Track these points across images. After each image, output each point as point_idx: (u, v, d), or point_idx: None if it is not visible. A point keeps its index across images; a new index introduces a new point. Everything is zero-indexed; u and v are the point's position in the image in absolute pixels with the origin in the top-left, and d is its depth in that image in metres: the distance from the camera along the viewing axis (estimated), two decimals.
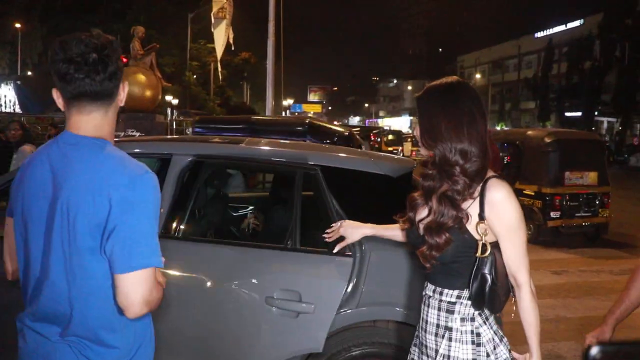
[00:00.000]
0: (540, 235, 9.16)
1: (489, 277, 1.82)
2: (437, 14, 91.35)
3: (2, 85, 30.40)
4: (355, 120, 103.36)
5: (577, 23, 51.19)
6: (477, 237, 1.82)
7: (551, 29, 54.91)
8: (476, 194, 1.84)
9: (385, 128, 54.12)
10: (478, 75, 65.26)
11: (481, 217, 1.82)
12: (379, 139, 20.85)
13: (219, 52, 21.26)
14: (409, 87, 79.41)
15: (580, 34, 46.10)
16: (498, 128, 53.96)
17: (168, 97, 26.70)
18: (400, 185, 3.32)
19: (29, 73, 36.89)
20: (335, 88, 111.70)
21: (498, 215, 1.82)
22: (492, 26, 77.55)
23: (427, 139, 1.88)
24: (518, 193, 9.62)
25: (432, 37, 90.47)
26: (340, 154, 3.65)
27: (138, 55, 12.44)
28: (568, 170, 9.31)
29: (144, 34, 13.16)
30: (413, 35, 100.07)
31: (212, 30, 21.79)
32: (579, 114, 43.98)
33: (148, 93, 12.24)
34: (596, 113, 43.47)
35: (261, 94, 53.38)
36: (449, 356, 1.85)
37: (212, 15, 21.57)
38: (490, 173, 1.87)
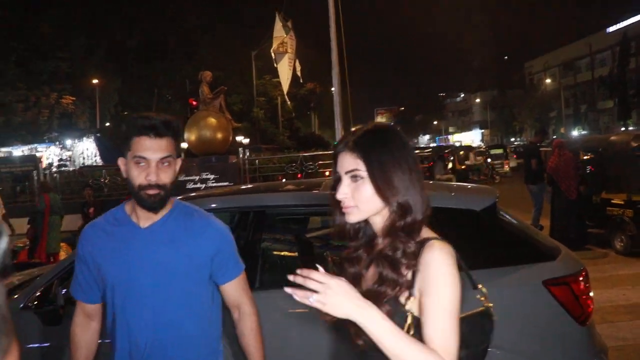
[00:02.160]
0: (633, 246, 8.53)
1: None
2: (499, 22, 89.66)
3: (84, 139, 32.12)
4: (424, 138, 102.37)
5: None
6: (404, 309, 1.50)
7: (624, 22, 52.42)
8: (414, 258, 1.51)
9: (456, 144, 53.22)
10: (548, 80, 63.17)
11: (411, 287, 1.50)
12: (452, 157, 20.41)
13: (285, 86, 21.61)
14: (477, 100, 77.86)
15: None
16: (575, 133, 51.90)
17: (239, 137, 27.37)
18: (484, 219, 3.16)
19: (107, 124, 38.86)
20: (402, 108, 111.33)
21: (428, 284, 1.46)
22: (558, 27, 75.12)
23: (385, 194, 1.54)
24: (606, 203, 9.09)
25: (496, 46, 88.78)
26: None
27: (207, 99, 12.81)
28: None
29: (211, 78, 13.58)
30: (476, 46, 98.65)
31: (275, 65, 22.18)
32: None
33: (219, 135, 12.53)
34: None
35: (329, 121, 53.89)
36: None
37: (272, 51, 21.98)
38: (429, 234, 1.57)
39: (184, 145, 13.47)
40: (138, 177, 1.94)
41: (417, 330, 1.46)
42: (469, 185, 4.61)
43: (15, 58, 33.73)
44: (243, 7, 39.29)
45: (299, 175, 12.76)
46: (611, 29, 54.47)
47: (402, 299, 1.49)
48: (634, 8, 51.90)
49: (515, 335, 2.84)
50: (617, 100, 48.04)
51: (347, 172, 1.56)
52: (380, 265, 1.54)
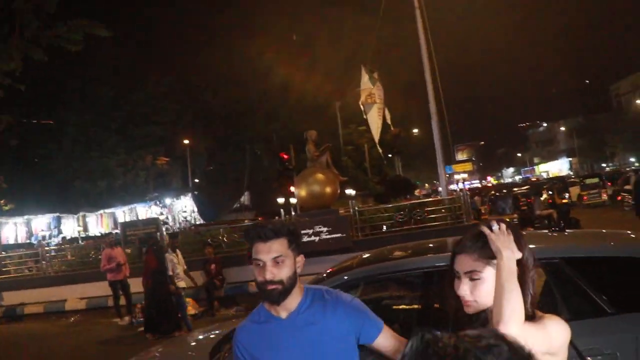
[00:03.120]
0: None
1: None
2: (577, 47, 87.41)
3: (182, 197, 33.78)
4: (509, 171, 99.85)
5: None
6: None
7: None
8: None
9: (543, 175, 51.82)
10: (638, 101, 60.66)
11: None
12: (550, 192, 20.01)
13: (376, 135, 22.03)
14: (562, 128, 75.67)
15: None
16: None
17: (348, 191, 27.92)
18: None
19: (196, 180, 40.70)
20: (482, 142, 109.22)
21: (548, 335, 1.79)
22: None
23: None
24: None
25: (577, 71, 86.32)
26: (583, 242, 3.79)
27: (314, 156, 13.41)
28: None
29: (317, 137, 14.22)
30: (556, 74, 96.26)
31: (365, 116, 22.72)
32: None
33: (328, 190, 13.05)
34: None
35: (411, 163, 54.12)
36: None
37: (360, 103, 22.58)
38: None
39: (294, 200, 14.00)
40: (258, 276, 2.22)
41: None
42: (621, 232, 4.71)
43: (116, 127, 36.28)
44: (321, 58, 40.49)
45: (408, 224, 13.01)
46: None
47: None
48: None
49: None
50: None
51: (466, 273, 1.79)
52: None
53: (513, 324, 1.67)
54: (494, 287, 1.75)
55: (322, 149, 13.83)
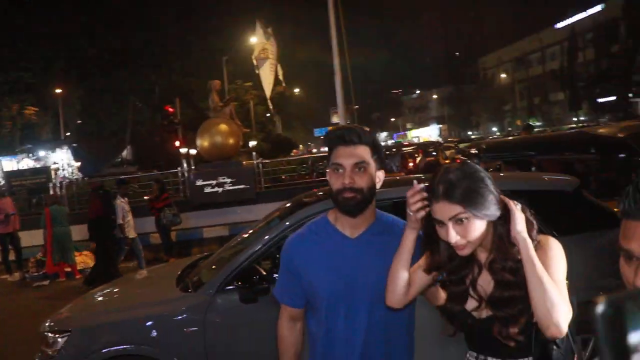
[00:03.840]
0: None
1: (552, 342, 1.74)
2: (450, 20, 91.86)
3: (58, 150, 31.72)
4: (382, 135, 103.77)
5: (598, 8, 51.21)
6: None
7: (571, 18, 54.98)
8: None
9: (414, 140, 54.74)
10: (502, 75, 65.57)
11: None
12: (434, 153, 21.29)
13: (267, 90, 22.16)
14: (434, 96, 79.96)
15: (603, 19, 46.26)
16: (531, 123, 54.07)
17: (252, 143, 27.69)
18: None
19: (68, 134, 38.38)
20: (357, 107, 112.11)
21: (551, 260, 1.73)
22: (509, 24, 77.69)
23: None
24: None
25: (448, 43, 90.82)
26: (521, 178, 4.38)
27: (218, 107, 13.32)
28: None
29: (220, 86, 14.09)
30: (428, 44, 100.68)
31: (257, 71, 22.69)
32: (611, 98, 43.96)
33: (231, 141, 13.07)
34: (630, 95, 43.43)
35: (291, 123, 54.62)
36: None
37: (253, 58, 22.51)
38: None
39: (193, 151, 13.86)
40: (335, 182, 2.05)
41: None
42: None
43: None
44: (210, 13, 39.43)
45: (310, 177, 13.41)
46: (560, 24, 57.01)
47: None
48: (579, 5, 54.62)
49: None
50: (567, 93, 50.41)
51: (450, 218, 1.70)
52: (498, 274, 1.76)
53: (566, 323, 1.63)
54: (480, 223, 1.70)
55: (226, 99, 13.80)
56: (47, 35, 36.12)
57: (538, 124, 53.19)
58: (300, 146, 71.19)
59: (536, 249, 1.69)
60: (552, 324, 1.60)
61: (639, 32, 40.59)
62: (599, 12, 50.47)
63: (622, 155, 5.81)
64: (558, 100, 56.08)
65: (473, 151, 7.90)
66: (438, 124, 78.85)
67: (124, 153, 37.56)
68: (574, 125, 36.29)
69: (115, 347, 3.85)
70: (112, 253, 9.97)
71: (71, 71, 38.02)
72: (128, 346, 3.85)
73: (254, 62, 22.50)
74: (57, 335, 4.04)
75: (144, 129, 38.41)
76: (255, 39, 22.85)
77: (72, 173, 27.70)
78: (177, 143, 26.19)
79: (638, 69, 41.39)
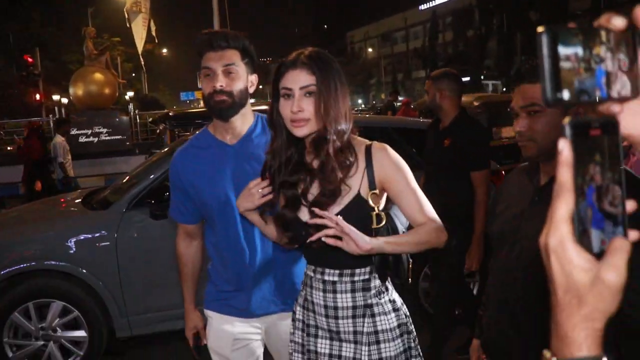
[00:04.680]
0: None
1: None
2: None
3: None
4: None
5: None
6: (369, 207, 1.71)
7: (433, 1, 58.39)
8: (361, 163, 1.72)
9: None
10: (370, 49, 68.09)
11: (372, 185, 1.71)
12: None
13: (140, 45, 21.46)
14: None
15: (461, 5, 49.69)
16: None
17: (130, 94, 26.40)
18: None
19: None
20: None
21: (392, 173, 1.71)
22: (376, 1, 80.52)
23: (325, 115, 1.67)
24: None
25: (317, 15, 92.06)
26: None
27: (92, 55, 12.91)
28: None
29: (95, 34, 13.60)
30: (298, 15, 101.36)
31: (128, 25, 21.87)
32: (466, 78, 47.60)
33: (107, 91, 12.79)
34: (482, 77, 47.31)
35: (158, 84, 52.93)
36: (376, 332, 1.75)
37: (125, 10, 21.66)
38: (360, 139, 1.78)
39: (65, 100, 13.37)
40: (206, 87, 2.04)
41: (384, 221, 1.72)
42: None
43: None
44: None
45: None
46: (423, 6, 60.29)
47: (365, 196, 1.70)
48: None
49: None
50: (428, 71, 53.71)
51: (302, 88, 1.65)
52: (332, 171, 1.68)
53: (442, 234, 1.72)
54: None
55: (102, 48, 13.44)
56: None
57: (401, 98, 56.22)
58: (166, 109, 69.20)
59: (374, 153, 1.72)
60: (437, 247, 1.72)
61: (490, 20, 44.28)
62: None
63: None
64: (420, 77, 59.49)
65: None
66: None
67: None
68: None
69: (24, 264, 4.00)
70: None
71: None
72: (38, 262, 4.02)
73: (126, 14, 21.64)
74: None
75: None
76: None
77: None
78: (37, 96, 24.68)
79: (488, 54, 45.15)
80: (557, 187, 0.59)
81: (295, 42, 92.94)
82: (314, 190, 1.73)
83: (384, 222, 1.70)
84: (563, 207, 0.58)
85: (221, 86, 2.00)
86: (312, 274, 1.82)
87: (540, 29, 0.57)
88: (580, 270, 0.58)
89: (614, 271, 0.57)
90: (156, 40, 23.03)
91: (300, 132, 1.68)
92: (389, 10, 67.85)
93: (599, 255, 0.58)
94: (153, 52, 36.51)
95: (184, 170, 2.17)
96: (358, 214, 1.69)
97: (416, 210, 1.71)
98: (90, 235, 4.09)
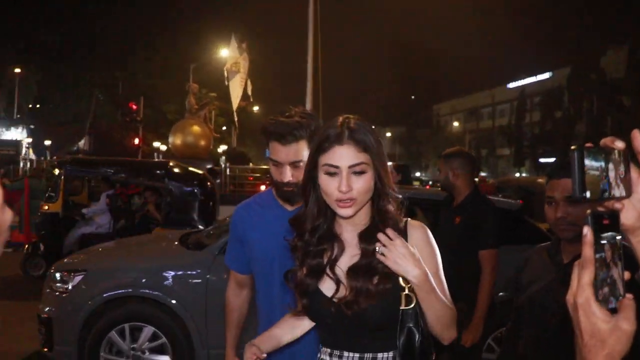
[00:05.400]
0: None
1: (416, 331, 1.57)
2: (409, 63, 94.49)
3: (12, 129, 31.27)
4: None
5: (546, 75, 54.66)
6: (400, 287, 1.57)
7: (522, 80, 58.33)
8: None
9: None
10: (455, 123, 68.41)
11: None
12: None
13: (235, 103, 22.82)
14: (388, 134, 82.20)
15: (550, 85, 49.36)
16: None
17: (223, 147, 28.00)
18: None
19: (18, 116, 37.72)
20: None
21: (425, 255, 1.60)
22: (465, 76, 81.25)
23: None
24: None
25: (405, 86, 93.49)
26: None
27: (194, 109, 14.03)
28: None
29: (198, 90, 14.81)
30: (386, 84, 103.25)
31: (227, 83, 23.35)
32: (552, 159, 46.71)
33: (203, 142, 13.83)
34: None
35: (245, 139, 55.15)
36: None
37: (225, 69, 23.19)
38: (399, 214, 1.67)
39: (163, 147, 14.46)
40: (275, 175, 2.17)
41: (414, 303, 1.58)
42: None
43: None
44: (179, 20, 39.82)
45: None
46: (511, 85, 60.28)
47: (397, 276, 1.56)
48: (529, 71, 58.21)
49: None
50: (513, 149, 53.15)
51: (351, 167, 1.55)
52: (373, 245, 1.57)
53: (455, 327, 1.67)
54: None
55: (202, 103, 14.54)
56: (13, 14, 35.60)
57: (484, 174, 55.71)
58: (251, 164, 71.45)
59: (410, 230, 1.66)
60: (446, 337, 1.64)
61: (580, 102, 43.69)
62: (547, 78, 53.79)
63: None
64: (504, 154, 58.83)
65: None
66: (389, 161, 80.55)
67: (81, 143, 37.29)
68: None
69: (124, 290, 4.57)
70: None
71: (32, 53, 37.54)
72: (134, 289, 4.58)
73: (225, 73, 23.17)
74: (72, 275, 4.72)
75: (105, 122, 38.22)
76: (228, 52, 23.55)
77: (26, 153, 27.50)
78: (137, 141, 26.51)
79: (576, 137, 44.30)
80: (583, 261, 0.86)
81: (382, 109, 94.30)
82: (343, 264, 1.63)
83: (413, 304, 1.57)
84: (587, 275, 0.85)
85: (289, 180, 2.11)
86: (327, 358, 1.67)
87: (572, 147, 0.88)
88: (602, 322, 0.82)
89: (628, 321, 0.82)
90: (251, 99, 24.40)
91: (347, 212, 1.58)
92: (477, 87, 68.27)
93: (613, 311, 0.85)
94: (245, 109, 38.37)
95: (242, 222, 2.33)
96: (392, 292, 1.58)
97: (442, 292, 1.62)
98: (184, 272, 4.61)
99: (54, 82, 38.19)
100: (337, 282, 1.60)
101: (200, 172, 8.67)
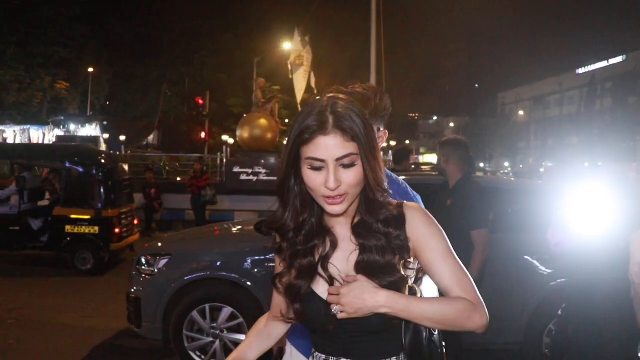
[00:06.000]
0: None
1: (423, 328, 1.42)
2: (474, 51, 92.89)
3: (87, 125, 32.86)
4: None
5: (619, 59, 52.40)
6: (404, 277, 1.42)
7: (592, 66, 56.18)
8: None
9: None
10: (521, 112, 66.66)
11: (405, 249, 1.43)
12: None
13: (299, 96, 23.14)
14: (451, 124, 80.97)
15: (624, 70, 47.37)
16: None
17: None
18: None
19: (90, 113, 39.46)
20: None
21: (427, 235, 1.44)
22: (532, 63, 78.97)
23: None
24: None
25: (470, 74, 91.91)
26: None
27: (260, 102, 14.43)
28: None
29: (264, 84, 15.20)
30: (451, 73, 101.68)
31: (291, 76, 23.72)
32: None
33: (269, 135, 14.21)
34: None
35: None
36: None
37: (289, 63, 23.53)
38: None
39: (231, 141, 14.91)
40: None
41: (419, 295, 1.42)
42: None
43: (17, 39, 34.22)
44: (243, 14, 40.59)
45: None
46: (580, 70, 58.15)
47: (398, 267, 1.41)
48: (600, 55, 55.90)
49: None
50: (581, 138, 51.34)
51: (338, 159, 1.33)
52: (371, 240, 1.42)
53: (482, 315, 1.40)
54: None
55: (269, 97, 14.91)
56: (87, 15, 37.26)
57: (550, 164, 54.12)
58: None
59: (407, 213, 1.45)
60: (471, 328, 1.39)
61: None
62: (620, 63, 51.60)
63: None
64: (572, 143, 56.92)
65: None
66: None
67: (150, 137, 38.73)
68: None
69: (203, 273, 4.91)
70: None
71: (104, 53, 39.22)
72: (212, 272, 4.90)
73: (289, 67, 23.50)
74: (158, 258, 5.10)
75: (172, 117, 39.49)
76: (291, 45, 23.87)
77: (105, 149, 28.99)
78: (203, 134, 27.31)
79: None
80: None
81: (445, 99, 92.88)
82: (337, 262, 1.45)
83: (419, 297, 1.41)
84: None
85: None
86: None
87: None
88: None
89: None
90: (315, 92, 24.65)
91: (337, 209, 1.38)
92: (543, 74, 66.24)
93: None
94: (308, 100, 38.72)
95: None
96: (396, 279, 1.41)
97: (452, 282, 1.41)
98: (259, 256, 4.90)
99: (125, 79, 39.85)
100: (332, 281, 1.42)
101: (102, 154, 9.59)
